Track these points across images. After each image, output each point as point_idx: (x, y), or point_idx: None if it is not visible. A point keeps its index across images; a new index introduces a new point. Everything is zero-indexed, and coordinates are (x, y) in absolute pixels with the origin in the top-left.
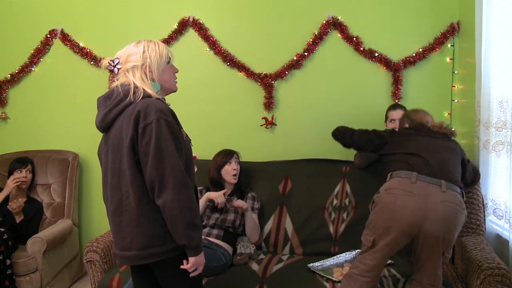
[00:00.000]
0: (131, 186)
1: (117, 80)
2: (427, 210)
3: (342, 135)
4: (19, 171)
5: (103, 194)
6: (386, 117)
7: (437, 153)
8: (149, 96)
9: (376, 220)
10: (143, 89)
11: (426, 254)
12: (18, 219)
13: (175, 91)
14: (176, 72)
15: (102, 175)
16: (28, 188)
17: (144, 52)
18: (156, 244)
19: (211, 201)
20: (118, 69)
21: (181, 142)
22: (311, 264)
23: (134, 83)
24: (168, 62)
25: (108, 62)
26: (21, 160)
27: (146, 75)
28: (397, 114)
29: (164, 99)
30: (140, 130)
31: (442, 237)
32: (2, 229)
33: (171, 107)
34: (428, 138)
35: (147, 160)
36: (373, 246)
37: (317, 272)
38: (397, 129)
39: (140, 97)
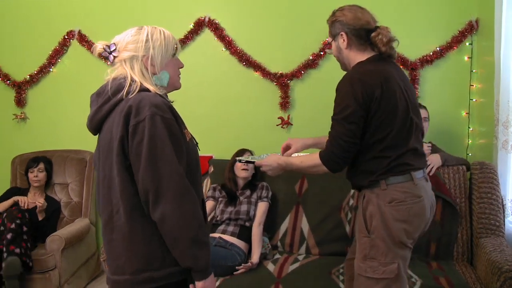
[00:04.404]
0: (121, 197)
1: (113, 71)
2: (431, 209)
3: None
4: (31, 171)
5: (96, 205)
6: None
7: (415, 107)
8: (146, 90)
9: (393, 240)
10: (140, 83)
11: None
12: (41, 217)
13: (178, 88)
14: (181, 67)
15: (96, 183)
16: (46, 187)
17: (147, 41)
18: (152, 267)
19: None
20: (115, 57)
21: (182, 143)
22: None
23: (131, 76)
24: (174, 55)
25: (103, 47)
26: (34, 159)
27: (147, 68)
28: (421, 113)
29: (167, 96)
30: (131, 128)
31: None
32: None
33: (179, 105)
34: (393, 69)
35: (139, 164)
36: (399, 275)
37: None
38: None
39: (136, 92)
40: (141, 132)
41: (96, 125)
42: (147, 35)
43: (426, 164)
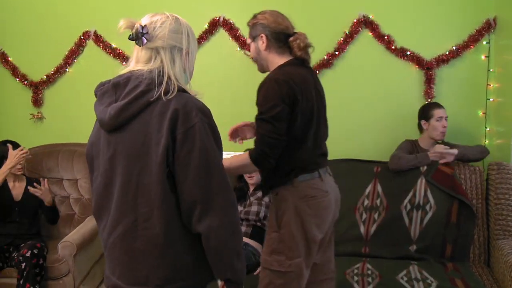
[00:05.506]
0: (159, 207)
1: (134, 60)
2: (336, 202)
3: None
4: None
5: (94, 209)
6: (429, 116)
7: (325, 114)
8: (183, 90)
9: (302, 235)
10: (177, 81)
11: (331, 243)
12: (49, 203)
13: None
14: None
15: (95, 185)
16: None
17: (188, 35)
18: (181, 276)
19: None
20: (147, 40)
21: (222, 151)
22: None
23: (168, 72)
24: None
25: (138, 26)
26: (8, 143)
27: (185, 64)
28: (444, 112)
29: None
30: (180, 135)
31: None
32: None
33: None
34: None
35: (186, 175)
36: (302, 270)
37: None
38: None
39: (175, 92)
40: (192, 141)
41: (120, 123)
42: (186, 28)
43: (328, 163)
